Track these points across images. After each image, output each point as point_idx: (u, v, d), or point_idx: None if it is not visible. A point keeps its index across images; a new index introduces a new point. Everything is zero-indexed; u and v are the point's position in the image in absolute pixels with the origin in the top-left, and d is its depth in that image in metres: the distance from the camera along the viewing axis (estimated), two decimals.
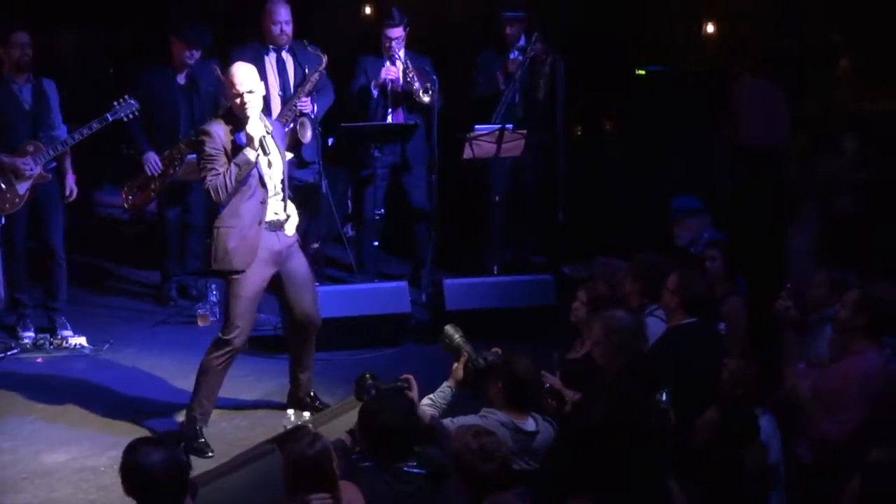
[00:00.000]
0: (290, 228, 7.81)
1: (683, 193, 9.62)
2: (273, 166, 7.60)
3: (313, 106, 9.79)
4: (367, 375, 6.46)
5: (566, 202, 10.64)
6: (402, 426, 5.72)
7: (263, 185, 7.57)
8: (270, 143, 7.56)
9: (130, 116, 9.25)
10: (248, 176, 7.48)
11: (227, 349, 7.60)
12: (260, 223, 7.57)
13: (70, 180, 9.33)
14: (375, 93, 10.22)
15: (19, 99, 9.08)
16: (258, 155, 7.44)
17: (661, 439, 5.26)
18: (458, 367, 6.67)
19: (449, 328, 6.89)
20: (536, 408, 6.37)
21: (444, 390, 6.62)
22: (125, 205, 10.05)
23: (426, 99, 10.15)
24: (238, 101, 7.43)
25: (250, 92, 7.43)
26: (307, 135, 9.74)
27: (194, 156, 9.47)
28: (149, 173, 9.81)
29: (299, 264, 7.91)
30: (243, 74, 7.47)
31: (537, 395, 6.38)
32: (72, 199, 9.42)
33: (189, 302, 10.27)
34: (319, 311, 8.09)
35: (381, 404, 5.80)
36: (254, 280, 7.59)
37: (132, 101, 9.18)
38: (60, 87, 9.39)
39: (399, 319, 9.52)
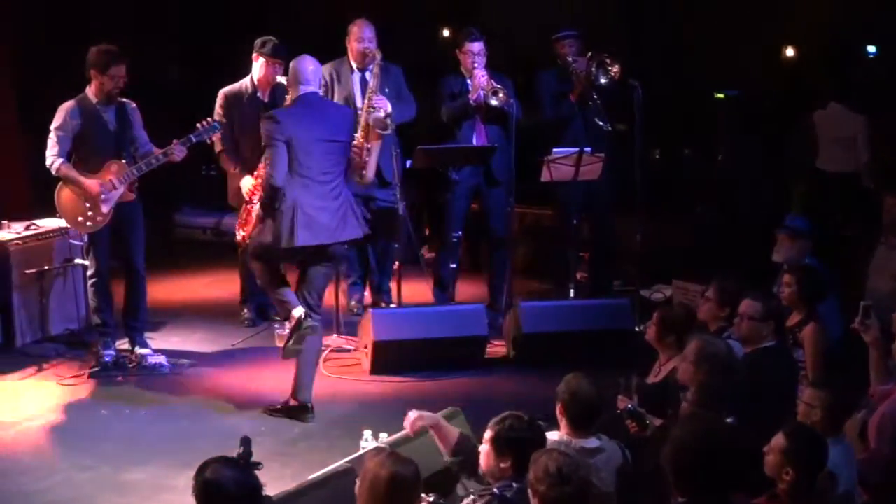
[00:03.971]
0: None
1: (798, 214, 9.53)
2: None
3: (388, 104, 9.86)
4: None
5: (644, 225, 10.60)
6: (542, 439, 5.72)
7: None
8: None
9: (213, 138, 9.32)
10: None
11: None
12: None
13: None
14: (473, 99, 10.24)
15: (104, 120, 9.17)
16: None
17: (732, 462, 5.22)
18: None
19: None
20: (604, 430, 6.35)
21: None
22: (239, 241, 10.05)
23: (494, 102, 10.16)
24: None
25: None
26: (389, 126, 9.80)
27: None
28: (247, 199, 9.78)
29: None
30: None
31: (597, 415, 6.34)
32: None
33: (267, 322, 10.32)
34: None
35: (519, 419, 5.74)
36: None
37: (215, 124, 9.22)
38: (142, 107, 9.48)
39: (476, 342, 9.51)
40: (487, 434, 5.70)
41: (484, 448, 5.71)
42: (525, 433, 5.64)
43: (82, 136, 9.14)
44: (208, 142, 9.33)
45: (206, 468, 5.09)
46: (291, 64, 8.38)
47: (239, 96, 9.96)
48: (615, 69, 10.31)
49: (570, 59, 10.56)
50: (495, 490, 5.59)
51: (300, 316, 8.23)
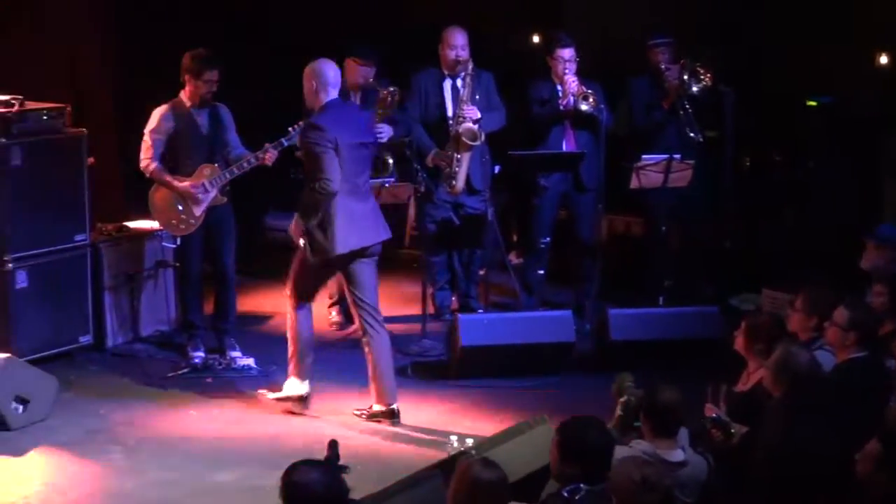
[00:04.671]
0: None
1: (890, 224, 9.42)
2: None
3: (477, 113, 9.91)
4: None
5: (734, 233, 10.52)
6: (610, 443, 5.74)
7: None
8: None
9: None
10: None
11: None
12: None
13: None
14: (563, 105, 10.25)
15: (197, 124, 9.26)
16: None
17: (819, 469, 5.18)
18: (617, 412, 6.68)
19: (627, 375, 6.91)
20: (691, 439, 6.34)
21: None
22: None
23: (584, 107, 10.14)
24: None
25: None
26: (479, 137, 9.84)
27: None
28: None
29: None
30: None
31: (679, 423, 6.31)
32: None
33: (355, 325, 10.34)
34: None
35: (586, 423, 5.75)
36: None
37: None
38: (233, 110, 9.55)
39: (563, 348, 9.47)
40: (555, 438, 5.70)
41: (552, 452, 5.71)
42: (593, 438, 5.63)
43: (176, 139, 9.25)
44: (299, 145, 9.37)
45: (293, 471, 5.11)
46: (313, 69, 8.35)
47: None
48: (708, 78, 10.26)
49: (662, 66, 10.51)
50: (564, 493, 5.59)
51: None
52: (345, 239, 8.22)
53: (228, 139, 9.37)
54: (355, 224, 8.28)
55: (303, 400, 8.60)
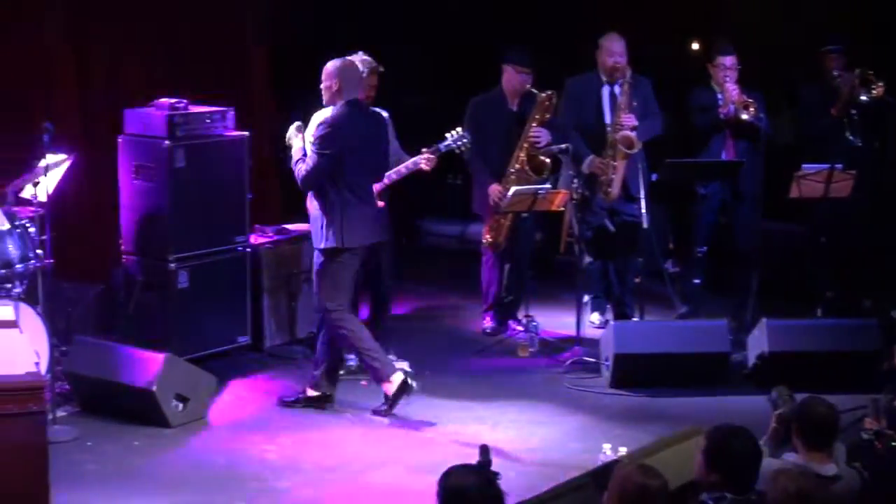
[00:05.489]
0: None
1: None
2: None
3: (635, 122, 9.89)
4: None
5: None
6: (757, 453, 5.68)
7: None
8: None
9: (462, 148, 9.40)
10: None
11: None
12: None
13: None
14: (723, 113, 10.17)
15: None
16: None
17: None
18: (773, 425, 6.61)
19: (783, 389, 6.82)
20: (848, 453, 6.24)
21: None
22: (486, 244, 10.17)
23: (745, 116, 10.06)
24: None
25: None
26: (636, 145, 9.83)
27: (518, 189, 9.65)
28: (492, 205, 9.93)
29: None
30: None
31: (833, 438, 6.21)
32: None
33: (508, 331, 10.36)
34: None
35: (733, 432, 5.71)
36: None
37: (465, 133, 9.30)
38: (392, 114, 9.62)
39: (718, 358, 9.37)
40: (702, 443, 5.65)
41: (698, 457, 5.67)
42: (739, 447, 5.57)
43: None
44: (457, 151, 9.41)
45: (450, 474, 5.13)
46: (338, 68, 8.42)
47: (488, 105, 10.07)
48: (879, 87, 10.11)
49: (835, 72, 10.41)
50: (708, 500, 5.53)
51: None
52: (349, 235, 8.42)
53: (387, 148, 9.42)
54: (355, 223, 8.43)
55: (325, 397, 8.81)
